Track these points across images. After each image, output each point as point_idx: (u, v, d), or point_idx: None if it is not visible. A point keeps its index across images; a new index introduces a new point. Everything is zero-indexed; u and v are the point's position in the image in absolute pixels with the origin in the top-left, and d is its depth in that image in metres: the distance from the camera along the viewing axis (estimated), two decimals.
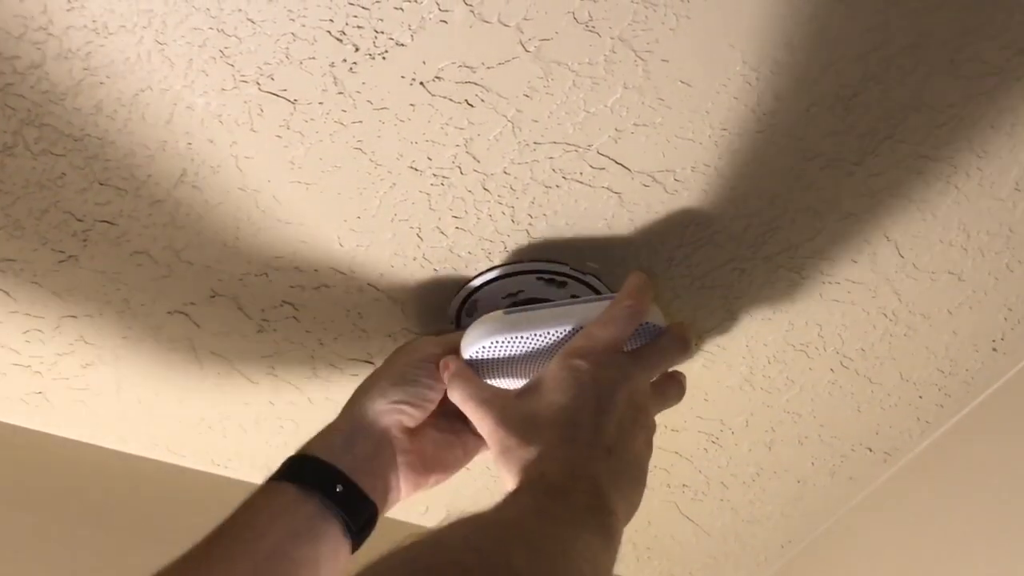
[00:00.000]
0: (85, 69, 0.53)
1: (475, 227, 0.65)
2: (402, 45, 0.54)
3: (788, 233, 0.69)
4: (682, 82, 0.58)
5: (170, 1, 0.51)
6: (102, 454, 0.82)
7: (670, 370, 0.67)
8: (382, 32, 0.53)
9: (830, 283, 0.74)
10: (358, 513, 0.59)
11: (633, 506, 0.57)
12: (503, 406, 0.60)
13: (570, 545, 0.48)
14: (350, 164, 0.60)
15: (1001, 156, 0.66)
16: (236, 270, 0.66)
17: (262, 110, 0.57)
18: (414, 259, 0.67)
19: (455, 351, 0.65)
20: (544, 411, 0.58)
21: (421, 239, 0.66)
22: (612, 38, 0.55)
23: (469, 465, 0.69)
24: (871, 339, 0.79)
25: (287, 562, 0.56)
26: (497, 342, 0.64)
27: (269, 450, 0.83)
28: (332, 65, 0.55)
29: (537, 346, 0.64)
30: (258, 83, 0.55)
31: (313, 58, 0.54)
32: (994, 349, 0.83)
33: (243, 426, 0.80)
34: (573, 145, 0.61)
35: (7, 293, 0.65)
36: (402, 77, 0.56)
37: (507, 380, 0.67)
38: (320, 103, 0.56)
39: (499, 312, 0.65)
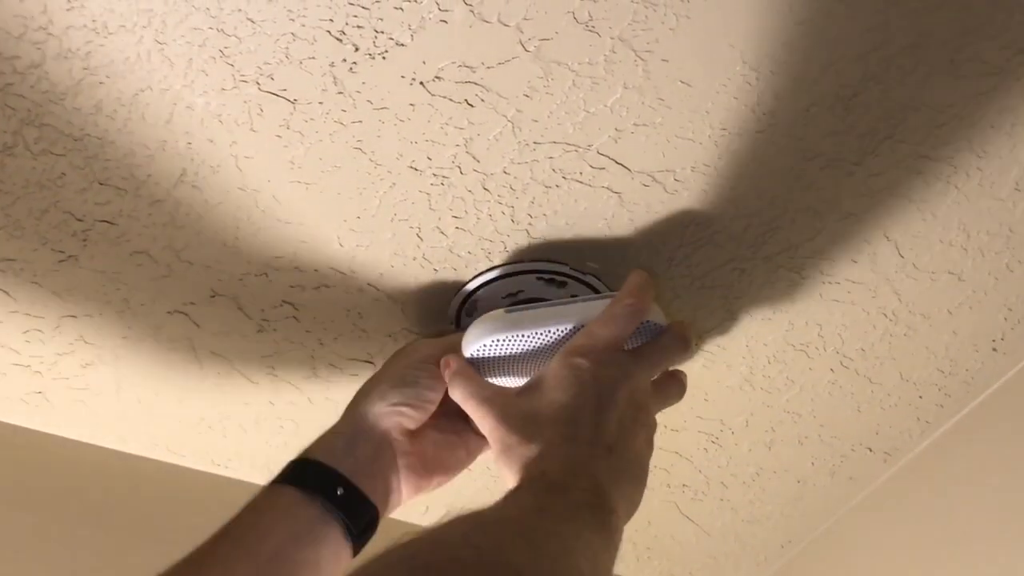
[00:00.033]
0: (85, 69, 0.53)
1: (475, 227, 0.65)
2: (402, 45, 0.54)
3: (788, 233, 0.69)
4: (682, 82, 0.58)
5: (170, 1, 0.51)
6: (102, 454, 0.82)
7: (670, 369, 0.67)
8: (382, 32, 0.53)
9: (830, 283, 0.74)
10: (359, 516, 0.59)
11: (634, 504, 0.57)
12: (504, 404, 0.60)
13: (570, 543, 0.48)
14: (350, 164, 0.60)
15: (1001, 156, 0.66)
16: (236, 270, 0.66)
17: (262, 110, 0.57)
18: (414, 259, 0.67)
19: (454, 351, 0.65)
20: (545, 409, 0.58)
21: (421, 239, 0.66)
22: (612, 38, 0.55)
23: (470, 465, 0.70)
24: (871, 339, 0.79)
25: (289, 564, 0.56)
26: (498, 340, 0.64)
27: (269, 450, 0.83)
28: (332, 65, 0.55)
29: (538, 345, 0.64)
30: (258, 83, 0.55)
31: (313, 58, 0.54)
32: (994, 349, 0.83)
33: (243, 426, 0.80)
34: (573, 145, 0.61)
35: (7, 293, 0.65)
36: (402, 77, 0.56)
37: (508, 379, 0.67)
38: (320, 103, 0.56)
39: (500, 311, 0.65)
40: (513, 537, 0.46)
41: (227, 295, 0.68)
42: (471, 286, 0.69)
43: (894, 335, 0.79)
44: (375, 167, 0.61)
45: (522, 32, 0.54)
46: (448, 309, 0.71)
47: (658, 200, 0.65)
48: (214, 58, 0.54)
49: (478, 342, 0.64)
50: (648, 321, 0.63)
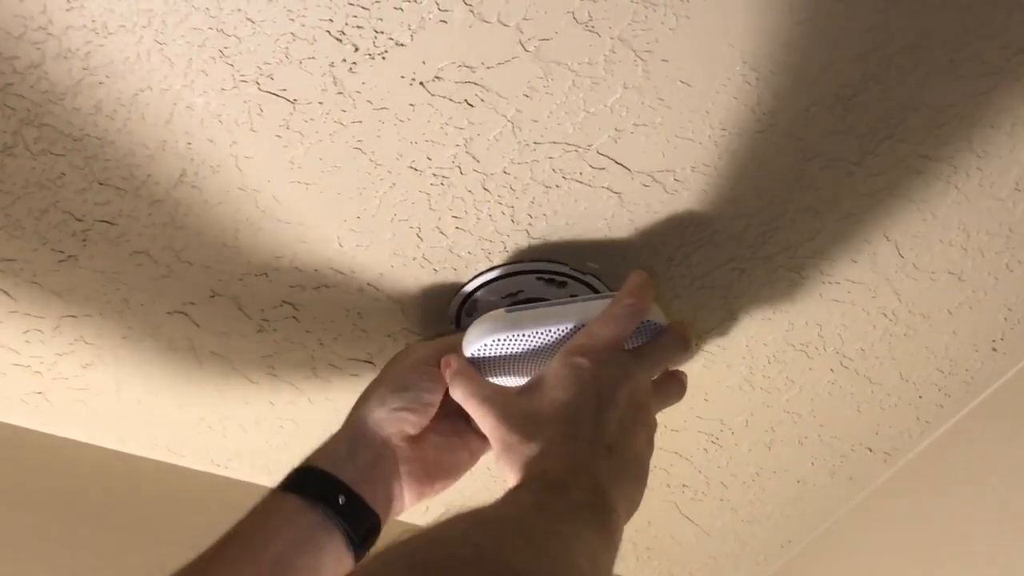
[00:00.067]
0: (85, 69, 0.53)
1: (475, 227, 0.65)
2: (402, 45, 0.54)
3: (788, 233, 0.69)
4: (682, 82, 0.58)
5: (169, 1, 0.51)
6: (102, 454, 0.82)
7: (670, 368, 0.67)
8: (382, 32, 0.53)
9: (830, 283, 0.74)
10: (360, 524, 0.60)
11: (634, 504, 0.58)
12: (505, 403, 0.60)
13: (570, 542, 0.48)
14: (350, 164, 0.60)
15: (1001, 156, 0.66)
16: (236, 270, 0.66)
17: (262, 110, 0.57)
18: (414, 259, 0.67)
19: (452, 352, 0.65)
20: (546, 408, 0.58)
21: (421, 239, 0.66)
22: (612, 38, 0.55)
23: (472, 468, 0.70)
24: (871, 339, 0.79)
25: (291, 571, 0.57)
26: (499, 340, 0.64)
27: (269, 450, 0.83)
28: (332, 65, 0.55)
29: (538, 344, 0.64)
30: (258, 83, 0.55)
31: (313, 58, 0.54)
32: (994, 349, 0.83)
33: (243, 426, 0.80)
34: (573, 145, 0.61)
35: (7, 293, 0.65)
36: (402, 77, 0.56)
37: (509, 378, 0.67)
38: (320, 103, 0.56)
39: (501, 310, 0.65)
40: (513, 536, 0.46)
41: (227, 295, 0.68)
42: (471, 286, 0.69)
43: (894, 335, 0.79)
44: (375, 167, 0.61)
45: (522, 32, 0.54)
46: (448, 309, 0.71)
47: (658, 200, 0.65)
48: (214, 58, 0.54)
49: (479, 342, 0.64)
50: (648, 321, 0.63)
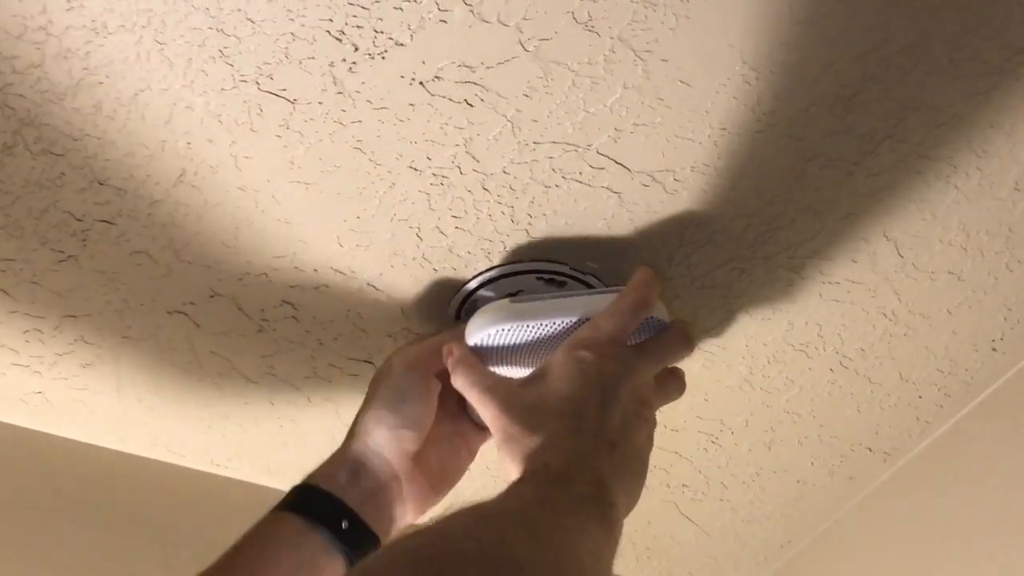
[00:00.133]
0: (84, 69, 0.53)
1: (475, 227, 0.65)
2: (401, 45, 0.54)
3: (788, 233, 0.69)
4: (682, 82, 0.58)
5: (169, 1, 0.51)
6: (102, 454, 0.82)
7: (670, 366, 0.67)
8: (381, 32, 0.53)
9: (830, 283, 0.74)
10: (362, 548, 0.60)
11: (633, 499, 0.58)
12: (507, 394, 0.60)
13: (573, 535, 0.48)
14: (349, 164, 0.60)
15: (1001, 156, 0.66)
16: (236, 270, 0.66)
17: (261, 110, 0.57)
18: (414, 259, 0.67)
19: (434, 353, 0.65)
20: (549, 401, 0.58)
21: (421, 239, 0.66)
22: (612, 38, 0.55)
23: (471, 465, 0.70)
24: (871, 339, 0.79)
25: None
26: (503, 330, 0.64)
27: (269, 450, 0.83)
28: (331, 65, 0.55)
29: (542, 335, 0.64)
30: (257, 83, 0.55)
31: (312, 58, 0.54)
32: (993, 349, 0.83)
33: (243, 426, 0.80)
34: (573, 145, 0.61)
35: (7, 293, 0.65)
36: (401, 77, 0.56)
37: (510, 369, 0.67)
38: (320, 103, 0.56)
39: (505, 300, 0.65)
40: (516, 529, 0.45)
41: (227, 295, 0.68)
42: (471, 286, 0.69)
43: (894, 335, 0.79)
44: (375, 167, 0.61)
45: (521, 32, 0.54)
46: (448, 309, 0.71)
47: (658, 200, 0.65)
48: (214, 58, 0.54)
49: (482, 331, 0.64)
50: (652, 317, 0.63)
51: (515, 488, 0.52)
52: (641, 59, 0.56)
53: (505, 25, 0.54)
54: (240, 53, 0.54)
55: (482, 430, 0.69)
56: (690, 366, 0.76)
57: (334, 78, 0.55)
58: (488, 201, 0.63)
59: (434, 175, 0.62)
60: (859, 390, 0.84)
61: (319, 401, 0.78)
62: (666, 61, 0.57)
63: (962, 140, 0.64)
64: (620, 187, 0.64)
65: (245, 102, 0.56)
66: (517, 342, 0.65)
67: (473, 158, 0.61)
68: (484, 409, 0.61)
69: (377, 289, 0.69)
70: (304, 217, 0.63)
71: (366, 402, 0.65)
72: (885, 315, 0.77)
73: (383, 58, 0.55)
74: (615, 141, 0.61)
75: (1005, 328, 0.81)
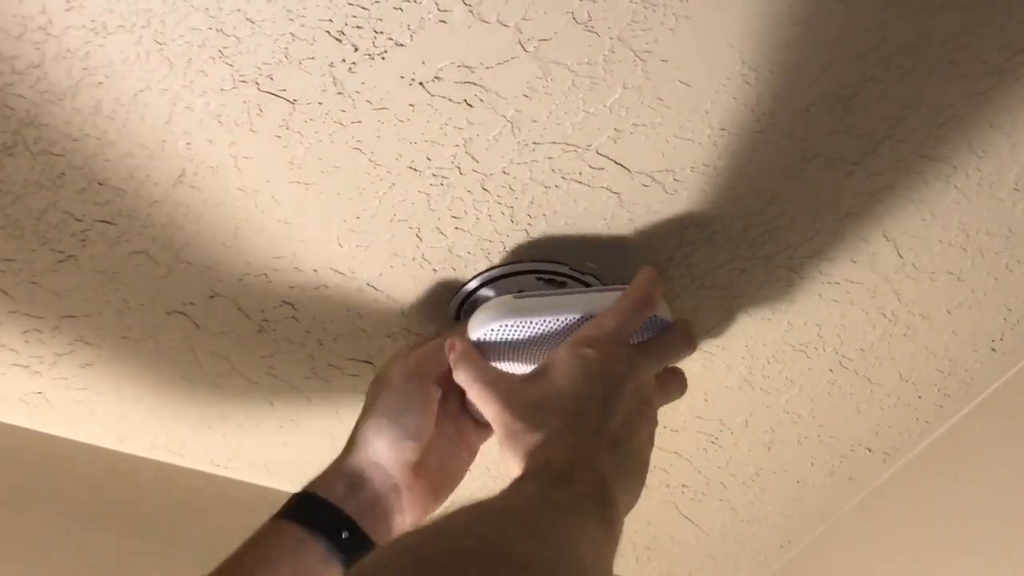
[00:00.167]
0: (84, 69, 0.53)
1: (474, 227, 0.65)
2: (401, 45, 0.54)
3: (788, 233, 0.69)
4: (681, 82, 0.58)
5: (169, 1, 0.51)
6: (102, 454, 0.82)
7: (671, 366, 0.67)
8: (381, 32, 0.53)
9: (829, 283, 0.74)
10: (361, 557, 0.59)
11: (634, 498, 0.58)
12: (509, 389, 0.60)
13: (573, 534, 0.48)
14: (349, 164, 0.60)
15: (1000, 156, 0.66)
16: (235, 270, 0.66)
17: (261, 110, 0.57)
18: (413, 259, 0.67)
19: (433, 359, 0.65)
20: (551, 397, 0.58)
21: (420, 239, 0.66)
22: (611, 38, 0.55)
23: (471, 465, 0.70)
24: (870, 339, 0.79)
25: None
26: (505, 326, 0.64)
27: (269, 450, 0.83)
28: (331, 65, 0.55)
29: (544, 332, 0.64)
30: (257, 83, 0.55)
31: (312, 58, 0.54)
32: (993, 349, 0.83)
33: (243, 426, 0.80)
34: (572, 145, 0.61)
35: (6, 293, 0.65)
36: (401, 77, 0.56)
37: (511, 364, 0.67)
38: (319, 103, 0.57)
39: (508, 296, 0.65)
40: (517, 528, 0.45)
41: (227, 295, 0.68)
42: (470, 286, 0.69)
43: (893, 335, 0.79)
44: (374, 167, 0.61)
45: (521, 32, 0.54)
46: (447, 309, 0.71)
47: (657, 200, 0.65)
48: (213, 58, 0.54)
49: (485, 326, 0.64)
50: (655, 316, 0.64)
51: (517, 485, 0.52)
52: (641, 59, 0.56)
53: (505, 25, 0.54)
54: (240, 53, 0.54)
55: (482, 429, 0.69)
56: (690, 366, 0.76)
57: (334, 78, 0.55)
58: (488, 201, 0.63)
59: (434, 175, 0.62)
60: (859, 390, 0.84)
61: (319, 401, 0.78)
62: (666, 61, 0.57)
63: (962, 140, 0.64)
64: (620, 187, 0.64)
65: (245, 102, 0.56)
66: (519, 338, 0.65)
67: (473, 158, 0.61)
68: (486, 405, 0.60)
69: (377, 289, 0.69)
70: (304, 217, 0.63)
71: (366, 410, 0.65)
72: (885, 315, 0.77)
73: (383, 58, 0.55)
74: (615, 141, 0.61)
75: (1005, 328, 0.81)
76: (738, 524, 1.01)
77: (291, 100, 0.56)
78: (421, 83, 0.56)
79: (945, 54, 0.58)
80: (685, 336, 0.64)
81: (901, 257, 0.72)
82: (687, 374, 0.67)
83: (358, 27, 0.53)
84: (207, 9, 0.51)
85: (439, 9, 0.52)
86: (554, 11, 0.53)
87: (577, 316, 0.64)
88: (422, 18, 0.53)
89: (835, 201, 0.67)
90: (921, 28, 0.57)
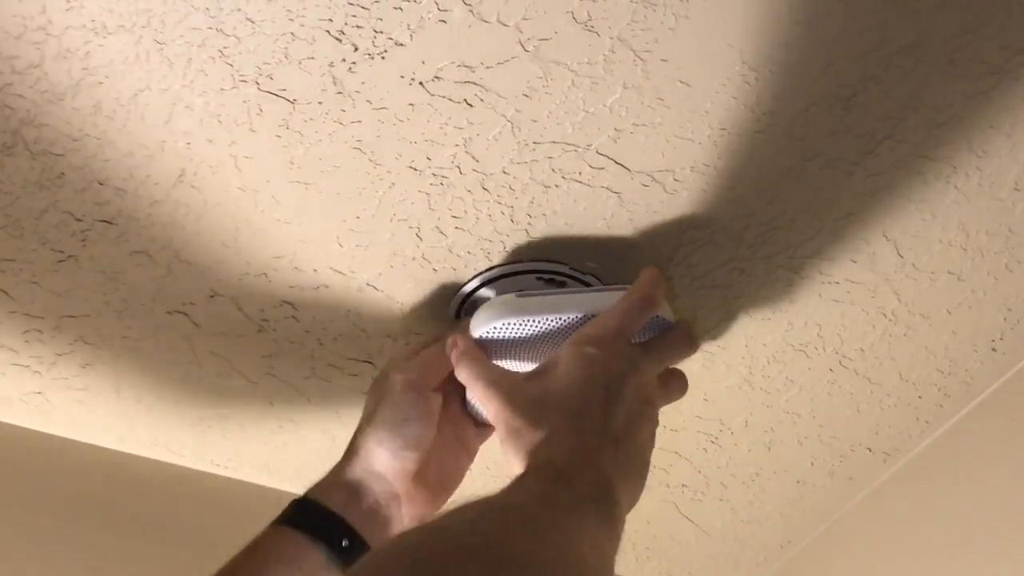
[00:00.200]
0: (84, 69, 0.53)
1: (474, 227, 0.65)
2: (401, 45, 0.54)
3: (788, 233, 0.69)
4: (681, 82, 0.58)
5: (169, 1, 0.51)
6: (102, 454, 0.82)
7: (672, 366, 0.67)
8: (381, 32, 0.53)
9: (829, 283, 0.74)
10: None
11: (634, 498, 0.58)
12: (511, 387, 0.60)
13: (574, 533, 0.48)
14: (349, 164, 0.60)
15: (1000, 156, 0.66)
16: (235, 270, 0.66)
17: (261, 110, 0.57)
18: (413, 259, 0.67)
19: (433, 366, 0.65)
20: (554, 396, 0.58)
21: (420, 239, 0.66)
22: (611, 38, 0.55)
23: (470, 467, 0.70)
24: (870, 339, 0.79)
25: None
26: (508, 324, 0.64)
27: (269, 450, 0.83)
28: (331, 65, 0.55)
29: (546, 330, 0.64)
30: (257, 83, 0.55)
31: (312, 58, 0.54)
32: (993, 349, 0.83)
33: (243, 426, 0.80)
34: (572, 145, 0.61)
35: (6, 293, 0.65)
36: (401, 77, 0.56)
37: (513, 363, 0.67)
38: (319, 103, 0.56)
39: (511, 295, 0.65)
40: (518, 526, 0.45)
41: (227, 295, 0.68)
42: (470, 286, 0.69)
43: (893, 335, 0.79)
44: (374, 167, 0.61)
45: (521, 32, 0.54)
46: (447, 309, 0.71)
47: (657, 200, 0.65)
48: (213, 58, 0.54)
49: (488, 324, 0.64)
50: (657, 316, 0.64)
51: (518, 484, 0.52)
52: (641, 59, 0.56)
53: (505, 25, 0.54)
54: (240, 53, 0.54)
55: (481, 430, 0.69)
56: (690, 366, 0.76)
57: (334, 78, 0.55)
58: (488, 201, 0.63)
59: (434, 175, 0.62)
60: (859, 390, 0.84)
61: (319, 401, 0.78)
62: (666, 61, 0.57)
63: (962, 140, 0.64)
64: (620, 187, 0.64)
65: (245, 102, 0.56)
66: (521, 337, 0.65)
67: (473, 158, 0.61)
68: (488, 403, 0.60)
69: (377, 289, 0.69)
70: (304, 217, 0.63)
71: (368, 419, 0.64)
72: (885, 315, 0.77)
73: (383, 58, 0.55)
74: (615, 141, 0.61)
75: (1005, 328, 0.81)
76: (738, 524, 1.01)
77: (291, 100, 0.56)
78: (421, 83, 0.56)
79: (945, 54, 0.58)
80: (687, 337, 0.64)
81: (901, 257, 0.72)
82: (687, 374, 0.67)
83: (358, 27, 0.53)
84: (207, 9, 0.51)
85: (439, 9, 0.52)
86: (554, 11, 0.53)
87: (579, 315, 0.64)
88: (422, 18, 0.53)
89: (835, 201, 0.67)
90: (921, 28, 0.57)
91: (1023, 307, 0.79)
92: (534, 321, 0.64)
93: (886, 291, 0.75)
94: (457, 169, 0.61)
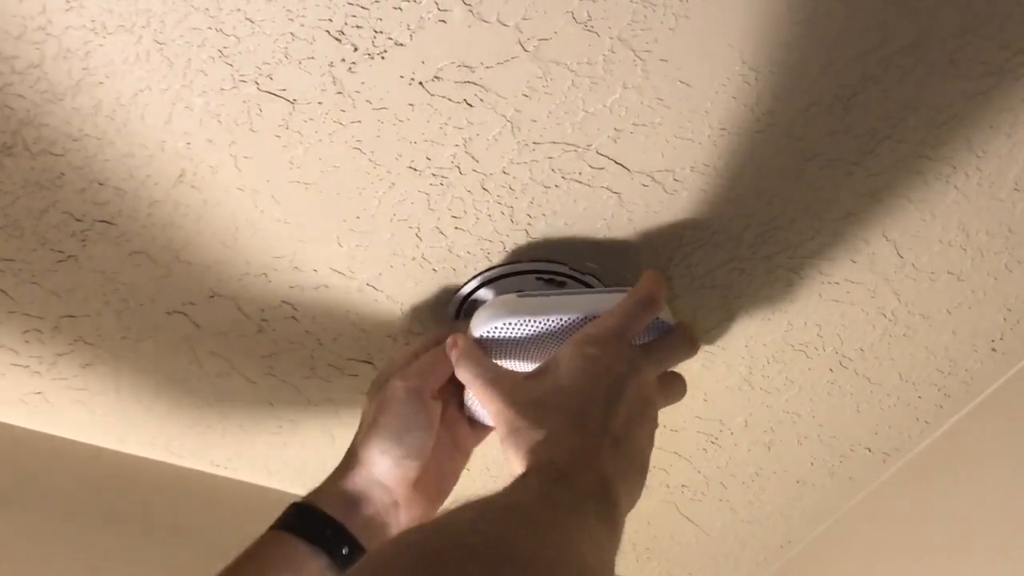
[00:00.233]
0: (84, 69, 0.53)
1: (474, 227, 0.65)
2: (401, 45, 0.54)
3: (787, 233, 0.69)
4: (681, 82, 0.58)
5: (169, 1, 0.51)
6: (102, 454, 0.82)
7: (671, 370, 0.67)
8: (381, 32, 0.53)
9: (829, 283, 0.74)
10: None
11: (634, 498, 0.58)
12: (512, 387, 0.60)
13: (575, 533, 0.48)
14: (349, 164, 0.60)
15: (1000, 156, 0.66)
16: (235, 270, 0.66)
17: (261, 110, 0.57)
18: (413, 259, 0.67)
19: (433, 371, 0.65)
20: (555, 395, 0.58)
21: (420, 239, 0.66)
22: (611, 38, 0.55)
23: (469, 467, 0.70)
24: (870, 339, 0.79)
25: None
26: (508, 324, 0.64)
27: (269, 450, 0.83)
28: (331, 65, 0.55)
29: (547, 331, 0.64)
30: (257, 83, 0.55)
31: (312, 58, 0.54)
32: (993, 349, 0.83)
33: (243, 426, 0.80)
34: (572, 145, 0.61)
35: (6, 293, 0.65)
36: (401, 77, 0.56)
37: (513, 363, 0.67)
38: (319, 103, 0.56)
39: (512, 295, 0.65)
40: (518, 525, 0.45)
41: (226, 295, 0.68)
42: (470, 286, 0.69)
43: (893, 335, 0.79)
44: (374, 167, 0.61)
45: (521, 32, 0.54)
46: (447, 309, 0.71)
47: (657, 200, 0.65)
48: (213, 58, 0.54)
49: (488, 324, 0.64)
50: (658, 318, 0.64)
51: (519, 483, 0.52)
52: (641, 59, 0.56)
53: (505, 25, 0.54)
54: (239, 53, 0.54)
55: (477, 431, 0.69)
56: (690, 366, 0.76)
57: (334, 78, 0.55)
58: (488, 201, 0.63)
59: (434, 175, 0.62)
60: (859, 390, 0.84)
61: (319, 401, 0.78)
62: (666, 61, 0.57)
63: (962, 140, 0.64)
64: (620, 187, 0.64)
65: (245, 102, 0.56)
66: (521, 337, 0.65)
67: (473, 158, 0.61)
68: (489, 402, 0.60)
69: (376, 289, 0.69)
70: (304, 217, 0.63)
71: (369, 427, 0.64)
72: (885, 315, 0.77)
73: (383, 58, 0.55)
74: (615, 141, 0.61)
75: (1005, 328, 0.81)
76: (738, 524, 1.01)
77: (291, 100, 0.56)
78: (421, 83, 0.56)
79: (945, 54, 0.58)
80: (687, 339, 0.65)
81: (901, 257, 0.72)
82: (687, 373, 0.67)
83: (358, 27, 0.53)
84: (207, 9, 0.51)
85: (439, 9, 0.52)
86: (554, 11, 0.53)
87: (580, 316, 0.64)
88: (422, 18, 0.53)
89: (835, 201, 0.67)
90: (921, 28, 0.57)
91: (1023, 307, 0.79)
92: (534, 321, 0.64)
93: (886, 291, 0.75)
94: (457, 169, 0.61)
